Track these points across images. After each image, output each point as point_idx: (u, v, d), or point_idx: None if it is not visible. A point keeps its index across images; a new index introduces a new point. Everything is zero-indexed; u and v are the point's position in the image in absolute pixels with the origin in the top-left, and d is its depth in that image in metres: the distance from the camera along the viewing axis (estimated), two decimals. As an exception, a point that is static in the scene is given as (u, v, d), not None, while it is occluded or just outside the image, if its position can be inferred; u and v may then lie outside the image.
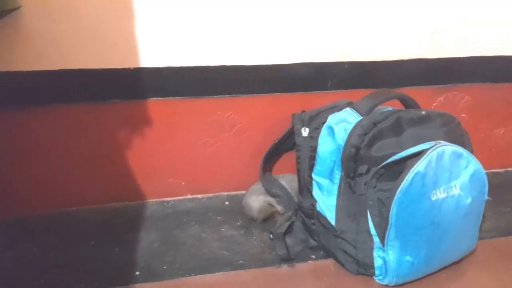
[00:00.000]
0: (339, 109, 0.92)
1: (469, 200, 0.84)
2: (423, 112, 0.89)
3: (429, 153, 0.79)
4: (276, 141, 1.06)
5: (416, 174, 0.78)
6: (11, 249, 0.92)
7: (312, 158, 0.93)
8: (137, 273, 0.86)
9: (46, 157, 1.00)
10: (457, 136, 0.89)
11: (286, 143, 1.07)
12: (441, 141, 0.82)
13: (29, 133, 0.97)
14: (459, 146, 0.83)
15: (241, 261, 0.90)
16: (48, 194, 1.03)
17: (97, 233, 0.98)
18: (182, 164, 1.08)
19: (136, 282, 0.84)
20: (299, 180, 0.98)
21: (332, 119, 0.89)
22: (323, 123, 0.91)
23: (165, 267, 0.88)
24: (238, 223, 1.03)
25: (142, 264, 0.89)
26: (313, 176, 0.93)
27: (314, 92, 1.07)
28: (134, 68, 0.96)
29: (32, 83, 0.94)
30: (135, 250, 0.93)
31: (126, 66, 0.96)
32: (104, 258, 0.90)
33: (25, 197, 1.01)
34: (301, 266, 0.90)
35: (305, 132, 0.94)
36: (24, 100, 0.95)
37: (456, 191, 0.82)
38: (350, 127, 0.86)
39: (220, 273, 0.88)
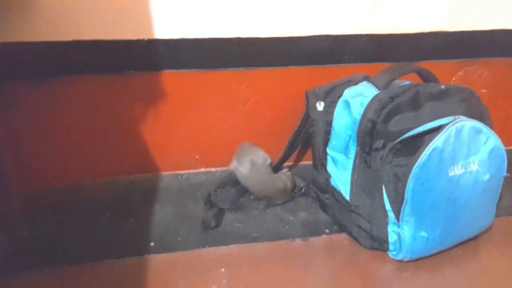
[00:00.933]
0: (355, 83, 0.90)
1: (487, 177, 0.82)
2: (443, 87, 0.87)
3: (448, 128, 0.77)
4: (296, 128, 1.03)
5: (434, 149, 0.76)
6: (30, 219, 0.93)
7: (327, 133, 0.91)
8: (152, 244, 0.87)
9: (60, 128, 1.00)
10: (477, 111, 0.86)
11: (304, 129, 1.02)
12: (460, 116, 0.80)
13: (43, 104, 0.97)
14: (479, 122, 0.81)
15: (255, 234, 0.91)
16: (63, 166, 1.03)
17: (112, 205, 0.99)
18: (196, 137, 1.08)
19: (150, 253, 0.85)
20: (313, 155, 0.97)
21: (348, 92, 0.88)
22: (339, 97, 0.89)
23: (179, 238, 0.89)
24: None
25: (157, 236, 0.90)
26: (328, 151, 0.92)
27: (330, 65, 1.05)
28: (149, 40, 0.95)
29: (46, 54, 0.93)
30: (150, 222, 0.94)
31: (140, 37, 0.95)
32: (119, 229, 0.92)
33: (42, 169, 1.02)
34: (314, 240, 0.90)
35: (320, 106, 0.92)
36: (38, 71, 0.95)
37: (474, 167, 0.81)
38: (366, 101, 0.84)
39: (234, 245, 0.88)
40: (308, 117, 0.97)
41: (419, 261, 0.84)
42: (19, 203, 0.92)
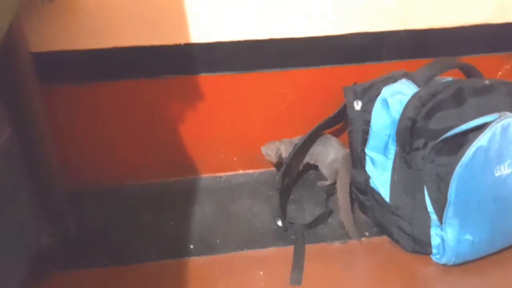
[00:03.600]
0: (394, 81, 0.88)
1: (537, 176, 0.78)
2: (487, 82, 0.83)
3: (493, 126, 0.74)
4: (331, 116, 1.03)
5: (478, 148, 0.73)
6: (75, 219, 0.96)
7: (365, 132, 0.89)
8: (191, 246, 0.89)
9: (103, 131, 1.03)
10: (525, 107, 0.82)
11: (339, 117, 1.03)
12: (506, 113, 0.77)
13: (88, 108, 1.00)
14: (527, 118, 0.77)
15: (293, 236, 0.90)
16: (106, 167, 1.06)
17: (153, 207, 1.01)
18: (233, 139, 1.08)
19: (190, 255, 0.86)
20: (352, 155, 0.95)
21: (386, 91, 0.85)
22: (377, 95, 0.87)
23: (218, 241, 0.90)
24: (290, 198, 1.02)
25: (196, 237, 0.91)
26: (366, 151, 0.90)
27: (367, 63, 1.02)
28: (185, 44, 0.97)
29: (88, 61, 0.96)
30: (190, 223, 0.95)
31: (177, 42, 0.96)
32: (160, 230, 0.94)
33: (87, 169, 1.06)
34: (354, 242, 0.89)
35: (357, 105, 0.90)
36: (82, 77, 0.98)
37: (522, 167, 0.77)
38: (405, 99, 0.82)
39: (272, 247, 0.88)
40: (344, 110, 0.95)
41: (464, 265, 0.81)
42: (65, 203, 0.96)
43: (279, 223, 0.92)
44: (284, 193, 1.01)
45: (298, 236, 0.89)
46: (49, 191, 0.91)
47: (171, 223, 0.96)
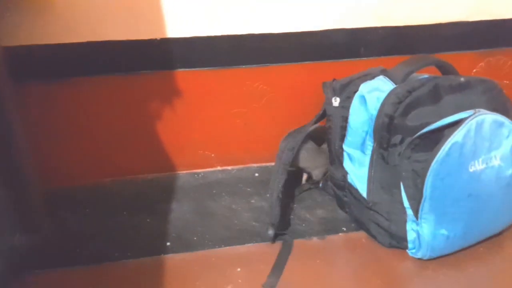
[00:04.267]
0: (372, 77, 0.88)
1: (510, 172, 0.80)
2: (462, 79, 0.84)
3: (468, 122, 0.75)
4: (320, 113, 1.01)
5: (454, 144, 0.74)
6: (49, 219, 0.94)
7: (343, 129, 0.90)
8: (168, 243, 0.87)
9: (77, 128, 1.01)
10: (499, 103, 0.83)
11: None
12: (480, 110, 0.78)
13: (60, 105, 0.98)
14: (501, 115, 0.78)
15: (270, 232, 0.90)
16: (81, 166, 1.05)
17: (130, 204, 0.99)
18: (212, 136, 1.08)
19: (167, 252, 0.85)
20: (329, 151, 0.96)
21: (364, 87, 0.86)
22: (355, 92, 0.87)
23: (195, 238, 0.89)
24: (268, 195, 1.02)
25: (173, 235, 0.90)
26: (344, 147, 0.90)
27: (346, 59, 1.03)
28: (161, 39, 0.95)
29: (61, 55, 0.94)
30: (167, 221, 0.94)
31: (153, 36, 0.95)
32: (137, 228, 0.92)
33: (61, 168, 1.03)
34: (332, 238, 0.89)
35: (335, 101, 0.90)
36: (55, 72, 0.96)
37: (496, 162, 0.78)
38: (383, 96, 0.82)
39: (250, 244, 0.88)
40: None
41: (440, 259, 0.82)
42: (39, 203, 0.93)
43: (270, 232, 0.88)
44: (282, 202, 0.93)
45: (285, 245, 0.87)
46: (23, 189, 0.89)
47: (148, 220, 0.94)
